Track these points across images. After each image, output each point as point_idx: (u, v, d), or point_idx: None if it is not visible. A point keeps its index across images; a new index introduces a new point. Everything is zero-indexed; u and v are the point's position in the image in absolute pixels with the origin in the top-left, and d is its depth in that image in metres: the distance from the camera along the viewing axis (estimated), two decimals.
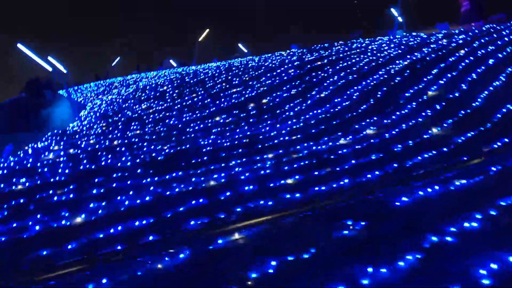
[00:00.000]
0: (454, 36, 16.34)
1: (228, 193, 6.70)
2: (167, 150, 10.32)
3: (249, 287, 4.07)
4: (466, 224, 4.82)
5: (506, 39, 14.44)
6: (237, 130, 11.93)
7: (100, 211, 6.37)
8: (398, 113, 10.71)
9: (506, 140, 8.00)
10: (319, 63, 17.43)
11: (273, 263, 4.39)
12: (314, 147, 9.29)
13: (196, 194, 7.03)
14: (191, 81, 19.99)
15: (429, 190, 5.95)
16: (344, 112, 12.06)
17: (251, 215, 5.76)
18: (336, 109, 12.42)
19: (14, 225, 6.11)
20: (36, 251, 5.10)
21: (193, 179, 7.72)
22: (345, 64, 16.30)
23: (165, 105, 16.51)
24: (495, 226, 4.81)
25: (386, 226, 5.07)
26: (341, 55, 17.95)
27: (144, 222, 5.82)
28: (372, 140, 9.12)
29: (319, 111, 12.63)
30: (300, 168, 7.96)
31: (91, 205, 6.71)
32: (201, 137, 11.57)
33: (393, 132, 9.55)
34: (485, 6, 21.61)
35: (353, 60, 16.53)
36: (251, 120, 12.96)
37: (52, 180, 8.51)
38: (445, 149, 7.88)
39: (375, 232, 4.96)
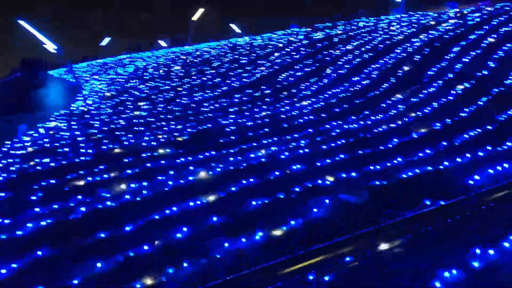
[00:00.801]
0: (468, 15, 16.08)
1: (277, 173, 6.39)
2: (189, 130, 9.95)
3: None
4: None
5: None
6: (256, 110, 11.57)
7: (145, 192, 6.03)
8: (425, 91, 10.47)
9: None
10: (329, 42, 17.08)
11: None
12: (345, 126, 9.01)
13: (241, 174, 6.75)
14: (195, 61, 19.49)
15: None
16: (365, 91, 11.77)
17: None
18: (356, 88, 12.14)
19: (55, 206, 5.74)
20: (92, 233, 4.77)
21: (231, 159, 7.39)
22: (358, 43, 15.98)
23: (173, 84, 16.05)
24: None
25: None
26: (351, 33, 17.59)
27: (198, 202, 5.50)
28: (406, 119, 8.88)
29: (337, 90, 12.34)
30: (340, 147, 7.70)
31: (132, 185, 6.35)
32: (220, 116, 11.22)
33: (425, 110, 9.32)
34: None
35: (365, 39, 16.21)
36: (267, 99, 12.63)
37: (77, 160, 8.11)
38: (489, 127, 7.67)
39: None
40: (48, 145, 9.49)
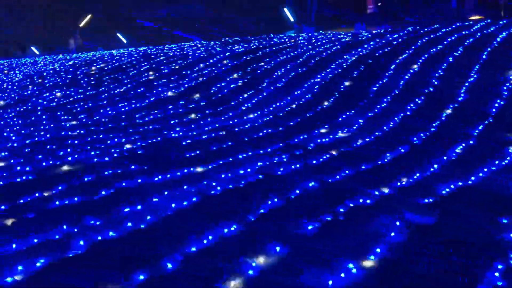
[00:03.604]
0: (387, 35, 16.76)
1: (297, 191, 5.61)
2: (139, 143, 8.65)
3: None
4: None
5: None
6: (201, 122, 10.59)
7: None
8: (379, 106, 10.41)
9: None
10: (254, 55, 16.61)
11: None
12: (318, 140, 8.49)
13: (227, 195, 5.83)
14: (105, 68, 17.71)
15: None
16: (312, 105, 11.44)
17: None
18: (301, 102, 11.76)
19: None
20: None
21: (223, 176, 6.44)
22: (285, 57, 15.70)
23: (87, 93, 14.26)
24: None
25: None
26: (274, 48, 17.33)
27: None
28: (379, 132, 8.63)
29: (281, 103, 11.84)
30: (327, 161, 7.14)
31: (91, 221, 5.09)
32: (163, 129, 10.04)
33: (389, 124, 9.19)
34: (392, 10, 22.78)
35: (292, 54, 16.02)
36: (207, 111, 11.69)
37: (18, 180, 6.47)
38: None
39: None
40: None
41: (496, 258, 3.99)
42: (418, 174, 6.24)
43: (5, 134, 9.92)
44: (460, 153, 7.25)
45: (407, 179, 6.02)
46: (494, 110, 9.61)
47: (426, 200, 5.16)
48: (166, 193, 5.94)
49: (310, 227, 4.69)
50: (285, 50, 16.72)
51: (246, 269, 3.97)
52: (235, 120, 10.65)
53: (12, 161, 7.56)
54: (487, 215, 4.65)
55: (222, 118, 10.97)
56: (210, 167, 7.07)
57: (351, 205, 5.16)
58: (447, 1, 23.46)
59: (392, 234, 4.35)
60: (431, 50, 13.49)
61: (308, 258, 4.08)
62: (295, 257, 4.14)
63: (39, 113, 12.31)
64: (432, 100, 10.24)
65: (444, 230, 4.36)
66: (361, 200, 5.32)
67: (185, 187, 6.16)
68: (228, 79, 14.27)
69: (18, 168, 7.07)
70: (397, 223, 4.54)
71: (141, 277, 3.94)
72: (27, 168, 6.99)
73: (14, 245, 4.58)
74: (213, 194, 5.89)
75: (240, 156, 7.60)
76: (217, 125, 10.30)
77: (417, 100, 10.42)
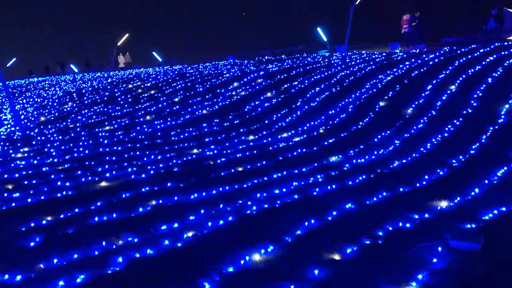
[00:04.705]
0: (423, 55, 16.57)
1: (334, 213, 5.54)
2: (175, 161, 8.75)
3: None
4: None
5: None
6: (235, 141, 10.65)
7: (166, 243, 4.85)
8: (415, 126, 10.24)
9: None
10: (286, 74, 16.67)
11: None
12: (354, 160, 8.40)
13: (263, 214, 5.80)
14: (142, 86, 18.08)
15: None
16: (346, 125, 11.35)
17: None
18: (335, 121, 11.68)
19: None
20: None
21: (258, 195, 6.44)
22: (319, 76, 15.71)
23: (124, 110, 14.57)
24: None
25: None
26: (307, 67, 17.35)
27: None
28: (416, 154, 8.47)
29: (315, 123, 11.80)
30: (363, 183, 7.04)
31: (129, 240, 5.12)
32: (196, 146, 10.14)
33: (427, 145, 9.01)
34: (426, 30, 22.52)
35: (326, 73, 16.00)
36: (241, 129, 11.75)
37: (59, 195, 6.62)
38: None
39: None
40: (6, 175, 7.78)
41: None
42: (458, 198, 6.09)
43: (45, 149, 10.22)
44: (502, 176, 7.04)
45: (447, 203, 5.87)
46: None
47: (468, 226, 5.00)
48: (202, 211, 5.97)
49: (348, 250, 4.62)
50: (318, 70, 16.72)
51: None
52: (269, 139, 10.66)
53: (52, 176, 7.76)
54: None
55: (256, 136, 11.01)
56: (245, 186, 7.08)
57: (390, 228, 5.05)
58: (485, 22, 23.05)
59: (434, 260, 4.23)
60: (469, 71, 13.23)
61: (346, 282, 4.00)
62: (333, 281, 4.07)
63: (78, 129, 12.64)
64: (471, 121, 10.00)
65: (487, 257, 4.22)
66: (400, 224, 5.21)
67: (221, 205, 6.19)
68: (262, 97, 14.35)
69: (59, 183, 7.25)
70: (439, 248, 4.41)
71: None
72: (67, 184, 7.15)
73: (55, 260, 4.67)
74: (249, 213, 5.89)
75: (275, 176, 7.60)
76: (251, 143, 10.35)
77: (455, 121, 10.20)
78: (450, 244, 4.39)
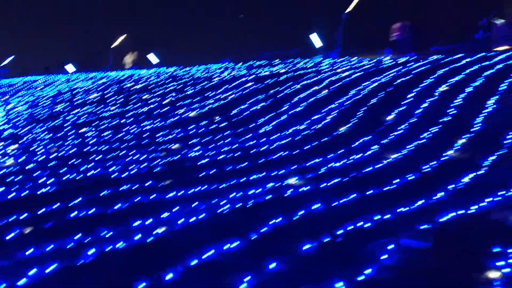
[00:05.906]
0: (409, 64, 16.89)
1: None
2: (159, 160, 9.02)
3: None
4: None
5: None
6: (220, 143, 10.93)
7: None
8: (395, 132, 10.53)
9: None
10: (276, 78, 16.96)
11: None
12: (331, 164, 8.68)
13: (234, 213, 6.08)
14: (132, 88, 18.35)
15: None
16: (329, 130, 11.65)
17: None
18: (319, 126, 11.97)
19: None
20: None
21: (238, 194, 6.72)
22: (308, 81, 16.00)
23: (115, 111, 14.84)
24: None
25: None
26: (298, 72, 17.65)
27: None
28: (391, 159, 8.76)
29: (300, 127, 12.09)
30: (336, 185, 7.32)
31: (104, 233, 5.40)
32: (182, 148, 10.42)
33: (402, 151, 9.30)
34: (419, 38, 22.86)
35: (315, 78, 16.30)
36: (226, 132, 12.02)
37: (44, 190, 6.90)
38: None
39: None
40: None
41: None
42: (422, 201, 6.37)
43: (32, 148, 10.48)
44: (469, 182, 7.32)
45: (409, 206, 6.15)
46: (510, 141, 9.61)
47: (424, 227, 5.28)
48: (176, 209, 6.24)
49: (308, 246, 4.89)
50: (308, 75, 17.01)
51: (240, 284, 4.19)
52: (253, 142, 10.94)
53: (37, 173, 8.03)
54: (481, 242, 4.75)
55: (241, 139, 11.29)
56: (222, 186, 7.35)
57: (350, 227, 5.33)
58: (475, 31, 23.44)
59: (385, 256, 4.51)
60: (451, 80, 13.55)
61: (301, 276, 4.28)
62: (288, 274, 4.34)
63: (67, 128, 12.90)
64: (448, 129, 10.31)
65: (434, 254, 4.49)
66: (361, 223, 5.49)
67: (195, 204, 6.45)
68: (249, 101, 14.63)
69: (41, 180, 7.51)
70: (391, 246, 4.69)
71: (143, 284, 4.20)
72: (50, 181, 7.42)
73: (30, 250, 4.93)
74: (221, 212, 6.16)
75: (253, 177, 7.87)
76: (235, 146, 10.63)
77: (433, 128, 10.50)
78: (401, 243, 4.68)
